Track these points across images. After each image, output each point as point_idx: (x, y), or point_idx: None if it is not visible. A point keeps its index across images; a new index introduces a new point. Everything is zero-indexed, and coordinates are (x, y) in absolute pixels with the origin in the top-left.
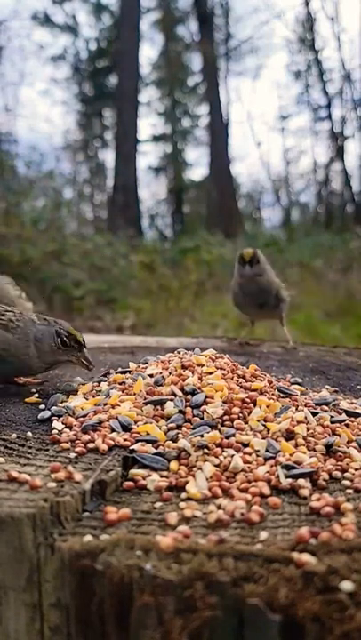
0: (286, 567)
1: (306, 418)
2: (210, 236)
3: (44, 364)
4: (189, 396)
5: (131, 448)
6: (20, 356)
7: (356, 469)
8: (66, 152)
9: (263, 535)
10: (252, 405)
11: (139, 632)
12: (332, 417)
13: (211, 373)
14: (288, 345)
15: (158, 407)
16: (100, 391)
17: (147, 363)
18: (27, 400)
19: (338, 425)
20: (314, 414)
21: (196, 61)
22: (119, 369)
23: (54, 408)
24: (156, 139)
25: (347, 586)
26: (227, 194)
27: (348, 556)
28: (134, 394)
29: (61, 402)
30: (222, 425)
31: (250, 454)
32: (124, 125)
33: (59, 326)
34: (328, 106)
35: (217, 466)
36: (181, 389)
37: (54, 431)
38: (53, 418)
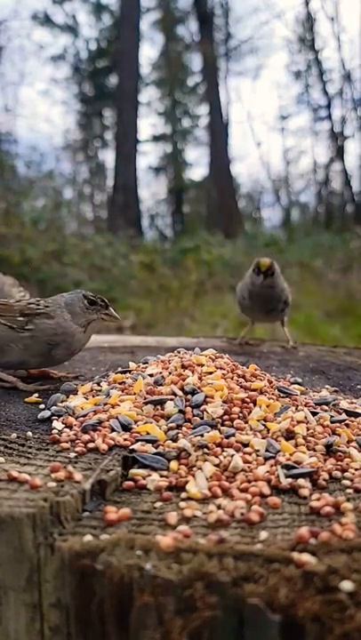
0: (286, 567)
1: (306, 418)
2: (210, 236)
3: (80, 326)
4: (189, 396)
5: (131, 448)
6: (66, 330)
7: (356, 469)
8: (66, 152)
9: (263, 535)
10: (252, 405)
11: (139, 632)
12: (332, 417)
13: (211, 373)
14: (288, 345)
15: (158, 407)
16: (100, 391)
17: (147, 362)
18: (27, 400)
19: (338, 425)
20: (314, 414)
21: (196, 61)
22: (119, 369)
23: (54, 408)
24: (156, 139)
25: (347, 586)
26: (227, 194)
27: (348, 556)
28: (134, 394)
29: (61, 402)
30: (222, 425)
31: (250, 454)
32: (124, 125)
33: (84, 291)
34: (328, 106)
35: (217, 466)
36: (181, 389)
37: (54, 431)
38: (53, 418)
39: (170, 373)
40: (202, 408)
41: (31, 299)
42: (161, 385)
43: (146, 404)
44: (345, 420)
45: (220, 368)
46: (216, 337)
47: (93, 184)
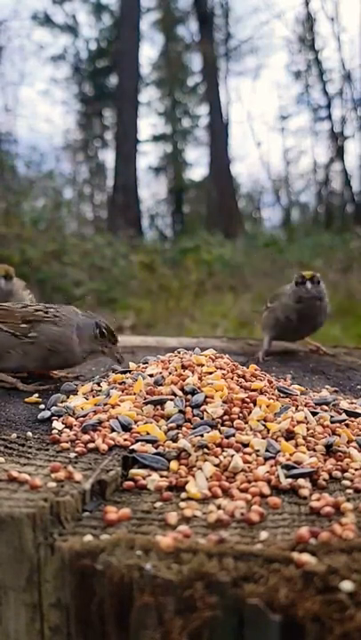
0: (286, 567)
1: (306, 418)
2: (210, 236)
3: (82, 351)
4: (189, 396)
5: (131, 448)
6: (68, 345)
7: (356, 469)
8: (66, 152)
9: (263, 535)
10: (252, 405)
11: (139, 632)
12: (332, 417)
13: (211, 373)
14: (321, 351)
15: (158, 407)
16: (100, 391)
17: (147, 363)
18: (27, 400)
19: (338, 425)
20: (314, 414)
21: (196, 61)
22: (119, 369)
23: (54, 408)
24: (156, 139)
25: (347, 586)
26: (227, 194)
27: (348, 556)
28: (134, 394)
29: (61, 402)
30: (222, 425)
31: (250, 454)
32: (124, 125)
33: (99, 319)
34: (328, 106)
35: (217, 466)
36: (181, 389)
37: (54, 431)
38: (53, 418)
39: (170, 373)
40: (202, 408)
41: (38, 304)
42: (161, 385)
43: (146, 404)
44: (345, 420)
45: (220, 368)
46: (216, 337)
47: (93, 184)
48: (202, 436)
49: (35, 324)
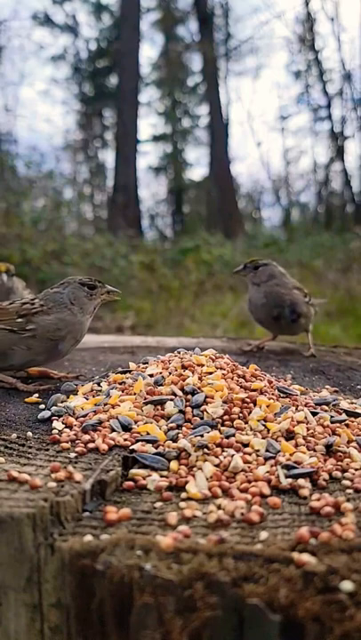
0: (286, 567)
1: (306, 418)
2: (210, 236)
3: (89, 314)
4: (189, 396)
5: (131, 448)
6: (68, 326)
7: (356, 469)
8: (66, 152)
9: (263, 535)
10: (252, 405)
11: (139, 632)
12: (332, 417)
13: (211, 373)
14: (307, 352)
15: (158, 407)
16: (100, 391)
17: (147, 363)
18: (27, 400)
19: (338, 425)
20: (314, 414)
21: (196, 61)
22: (119, 369)
23: (54, 408)
24: (156, 139)
25: (347, 586)
26: (227, 194)
27: (348, 556)
28: (134, 394)
29: (61, 402)
30: (222, 425)
31: (250, 454)
32: (124, 125)
33: (77, 279)
34: (328, 106)
35: (217, 466)
36: (181, 389)
37: (54, 431)
38: (53, 418)
39: (170, 373)
40: (202, 408)
41: (24, 298)
42: (161, 385)
43: (146, 404)
44: (345, 420)
45: (220, 368)
46: (216, 337)
47: (93, 184)
48: (202, 436)
49: (30, 317)
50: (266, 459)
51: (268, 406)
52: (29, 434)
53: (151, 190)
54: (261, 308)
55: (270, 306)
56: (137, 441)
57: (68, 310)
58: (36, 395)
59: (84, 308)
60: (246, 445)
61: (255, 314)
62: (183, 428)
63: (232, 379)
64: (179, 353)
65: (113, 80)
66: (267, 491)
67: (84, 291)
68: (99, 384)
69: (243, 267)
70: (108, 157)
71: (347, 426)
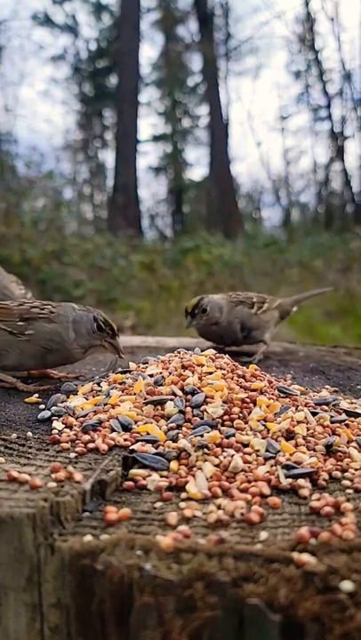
0: (286, 567)
1: (306, 418)
2: (210, 236)
3: (80, 347)
4: (189, 396)
5: (131, 448)
6: (61, 342)
7: (356, 469)
8: (66, 152)
9: (263, 535)
10: (252, 405)
11: (139, 632)
12: (332, 417)
13: (211, 373)
14: (252, 358)
15: (158, 407)
16: (100, 391)
17: (147, 363)
18: (27, 400)
19: (338, 425)
20: (314, 414)
21: (196, 61)
22: (119, 369)
23: (54, 408)
24: (156, 139)
25: (347, 586)
26: (227, 194)
27: (348, 556)
28: (134, 394)
29: (61, 402)
30: (222, 425)
31: (250, 454)
32: (124, 125)
33: (97, 313)
34: (328, 106)
35: (217, 466)
36: (181, 389)
37: (54, 431)
38: (53, 418)
39: (170, 373)
40: (202, 408)
41: (36, 301)
42: (161, 385)
43: (146, 404)
44: (345, 420)
45: (220, 368)
46: None
47: (93, 184)
48: (202, 436)
49: (31, 322)
50: (266, 459)
51: (268, 406)
52: (29, 434)
53: (151, 190)
54: (219, 339)
55: (219, 337)
56: (137, 441)
57: (65, 326)
58: (36, 395)
59: (78, 338)
60: (246, 445)
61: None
62: (183, 428)
63: (232, 379)
64: (179, 353)
65: (113, 80)
66: (267, 491)
67: (91, 325)
68: (99, 384)
69: (190, 318)
70: (108, 157)
71: (347, 426)
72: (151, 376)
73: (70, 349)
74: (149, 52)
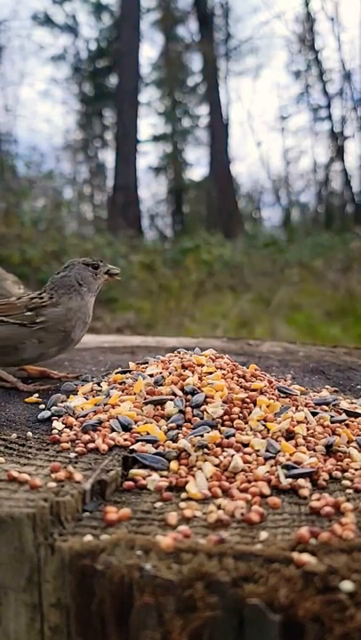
0: (286, 567)
1: (306, 418)
2: (210, 236)
3: (93, 293)
4: (189, 396)
5: (131, 448)
6: (79, 314)
7: (356, 469)
8: (66, 152)
9: (263, 535)
10: (252, 405)
11: (139, 632)
12: (332, 417)
13: (211, 373)
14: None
15: (158, 407)
16: (100, 391)
17: (147, 363)
18: (27, 400)
19: (338, 425)
20: (314, 414)
21: (196, 61)
22: (119, 369)
23: (54, 408)
24: (156, 139)
25: (347, 586)
26: (227, 194)
27: (348, 556)
28: (134, 394)
29: (61, 402)
30: (222, 425)
31: (250, 454)
32: (124, 125)
33: (80, 260)
34: (328, 106)
35: (217, 466)
36: (181, 389)
37: (54, 431)
38: (53, 418)
39: (170, 373)
40: (202, 408)
41: (31, 294)
42: (161, 385)
43: (146, 404)
44: (345, 420)
45: (220, 368)
46: (216, 337)
47: (93, 184)
48: (202, 436)
49: (39, 310)
50: (266, 459)
51: (268, 406)
52: (29, 434)
53: (151, 190)
54: None
55: None
56: (137, 441)
57: (76, 293)
58: (36, 395)
59: (91, 288)
60: (246, 445)
61: None
62: (183, 428)
63: (232, 379)
64: (179, 353)
65: (113, 80)
66: (267, 491)
67: (89, 271)
68: (99, 384)
69: None
70: (108, 157)
71: (347, 426)
72: (151, 376)
73: (89, 302)
74: (149, 52)
